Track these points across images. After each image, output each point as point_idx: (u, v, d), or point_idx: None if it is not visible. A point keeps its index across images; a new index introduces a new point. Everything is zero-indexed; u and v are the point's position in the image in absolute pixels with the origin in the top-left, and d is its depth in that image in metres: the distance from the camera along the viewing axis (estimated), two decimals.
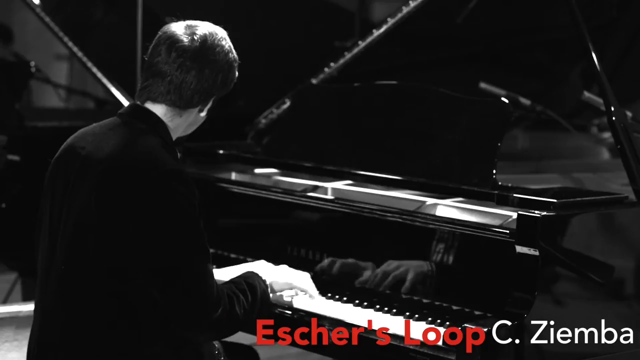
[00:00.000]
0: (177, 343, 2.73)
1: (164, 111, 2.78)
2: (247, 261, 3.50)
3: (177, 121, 2.80)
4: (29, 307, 2.91)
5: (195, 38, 2.75)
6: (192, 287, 2.66)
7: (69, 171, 2.74)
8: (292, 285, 3.03)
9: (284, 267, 3.08)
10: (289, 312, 3.07)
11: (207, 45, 2.75)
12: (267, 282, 2.94)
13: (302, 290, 3.06)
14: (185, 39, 2.74)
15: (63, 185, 2.74)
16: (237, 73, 2.85)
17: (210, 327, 2.71)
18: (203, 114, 2.84)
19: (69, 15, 5.41)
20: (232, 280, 2.87)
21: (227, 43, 2.81)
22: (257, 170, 3.82)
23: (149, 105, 2.78)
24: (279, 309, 3.07)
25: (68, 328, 2.70)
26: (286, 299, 3.09)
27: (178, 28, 2.78)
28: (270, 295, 2.94)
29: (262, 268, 3.00)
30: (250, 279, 2.89)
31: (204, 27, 2.79)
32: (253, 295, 2.84)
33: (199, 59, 2.74)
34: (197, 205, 2.68)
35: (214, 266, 3.14)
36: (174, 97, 2.76)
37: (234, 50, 2.83)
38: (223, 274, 3.10)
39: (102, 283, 2.66)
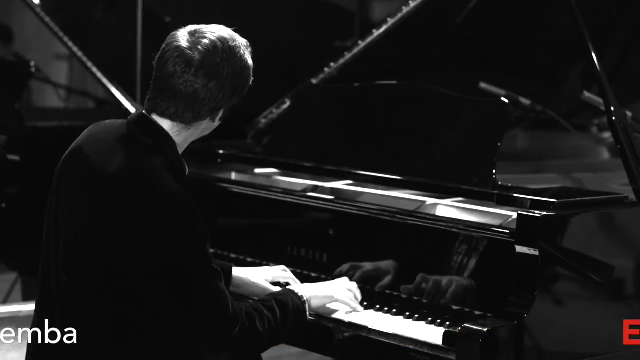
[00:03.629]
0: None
1: (171, 125, 2.70)
2: (246, 261, 3.51)
3: (184, 135, 2.72)
4: (29, 307, 2.91)
5: (200, 49, 2.64)
6: (205, 308, 2.63)
7: (73, 178, 2.71)
8: (334, 298, 2.98)
9: (327, 283, 3.04)
10: None
11: (212, 56, 2.64)
12: (306, 298, 2.88)
13: (344, 304, 3.00)
14: (190, 52, 2.64)
15: (66, 193, 2.70)
16: (251, 77, 2.73)
17: (227, 346, 2.67)
18: (215, 122, 2.75)
19: (68, 15, 5.40)
20: (261, 299, 2.84)
21: (237, 48, 2.68)
22: (257, 170, 3.82)
23: (156, 118, 2.70)
24: None
25: (69, 339, 2.69)
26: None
27: (183, 38, 2.66)
28: (308, 311, 2.88)
29: (305, 287, 2.95)
30: (282, 296, 2.85)
31: (211, 34, 2.67)
32: (283, 312, 2.79)
33: (204, 74, 2.64)
34: (199, 229, 2.62)
35: (232, 265, 3.12)
36: (180, 112, 2.68)
37: (245, 53, 2.71)
38: (251, 273, 3.09)
39: (101, 298, 2.64)
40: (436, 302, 3.04)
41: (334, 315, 3.01)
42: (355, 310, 3.01)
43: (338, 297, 2.99)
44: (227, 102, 2.71)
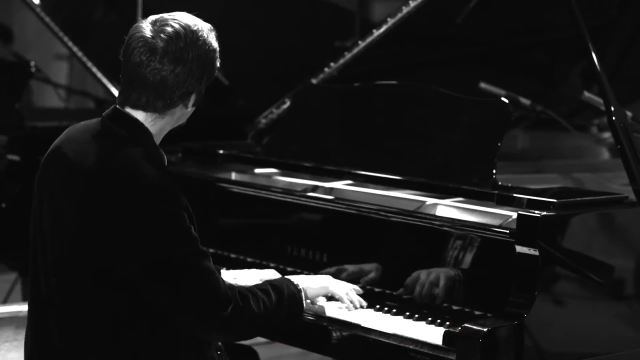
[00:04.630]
0: (183, 347, 2.71)
1: (144, 116, 2.71)
2: (246, 261, 3.51)
3: (159, 124, 2.73)
4: None
5: (163, 36, 2.65)
6: (196, 289, 2.63)
7: (54, 178, 2.71)
8: (328, 290, 2.99)
9: (323, 276, 3.06)
10: None
11: (176, 42, 2.65)
12: (301, 287, 2.88)
13: (339, 297, 3.01)
14: (154, 40, 2.65)
15: (48, 194, 2.71)
16: (218, 60, 2.74)
17: (221, 326, 2.67)
18: (189, 109, 2.76)
19: (68, 15, 5.40)
20: (256, 285, 2.84)
21: (200, 32, 2.70)
22: (257, 170, 3.82)
23: (129, 110, 2.71)
24: None
25: (64, 339, 2.69)
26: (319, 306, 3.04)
27: (146, 28, 2.68)
28: (305, 301, 2.88)
29: (300, 278, 2.95)
30: (277, 282, 2.86)
31: (173, 22, 2.68)
32: (278, 296, 2.80)
33: (169, 60, 2.65)
34: (183, 214, 2.62)
35: (224, 268, 3.12)
36: (151, 101, 2.69)
37: (209, 36, 2.72)
38: (242, 275, 3.08)
39: (91, 296, 2.64)
40: (436, 302, 3.04)
41: (334, 315, 3.01)
42: (352, 302, 3.01)
43: (332, 288, 3.00)
44: (196, 86, 2.72)
